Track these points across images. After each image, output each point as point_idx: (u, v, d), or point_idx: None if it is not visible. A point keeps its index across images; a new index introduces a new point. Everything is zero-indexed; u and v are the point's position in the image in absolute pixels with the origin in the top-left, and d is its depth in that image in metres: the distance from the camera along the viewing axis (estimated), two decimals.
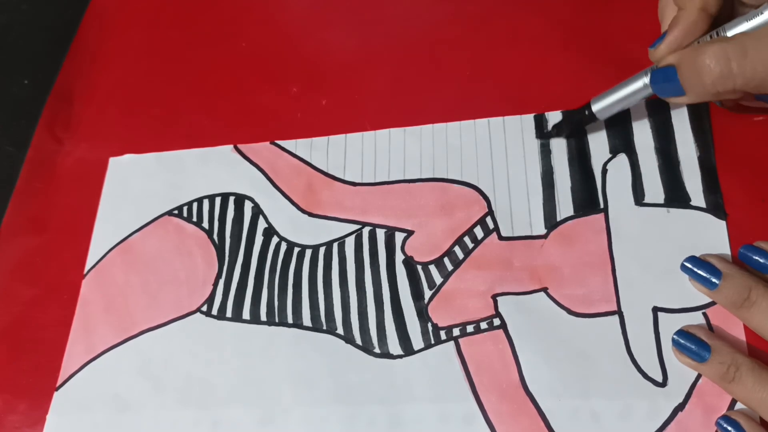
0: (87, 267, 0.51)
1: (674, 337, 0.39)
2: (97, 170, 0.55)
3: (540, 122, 0.47)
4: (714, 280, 0.38)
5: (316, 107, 0.53)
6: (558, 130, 0.46)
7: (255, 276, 0.47)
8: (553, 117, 0.47)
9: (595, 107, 0.43)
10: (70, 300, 0.50)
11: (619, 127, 0.46)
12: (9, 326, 0.50)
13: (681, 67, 0.38)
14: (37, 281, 0.51)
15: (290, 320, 0.46)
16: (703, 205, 0.42)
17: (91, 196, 0.54)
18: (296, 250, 0.48)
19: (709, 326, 0.39)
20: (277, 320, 0.46)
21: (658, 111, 0.46)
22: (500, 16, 0.53)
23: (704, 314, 0.40)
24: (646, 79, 0.41)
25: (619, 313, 0.41)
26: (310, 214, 0.49)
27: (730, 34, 0.38)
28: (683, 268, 0.39)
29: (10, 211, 0.55)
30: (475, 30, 0.53)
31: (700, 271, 0.39)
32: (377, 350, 0.43)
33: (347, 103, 0.53)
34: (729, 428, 0.36)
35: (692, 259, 0.39)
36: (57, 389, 0.47)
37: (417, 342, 0.43)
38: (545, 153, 0.46)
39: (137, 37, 0.61)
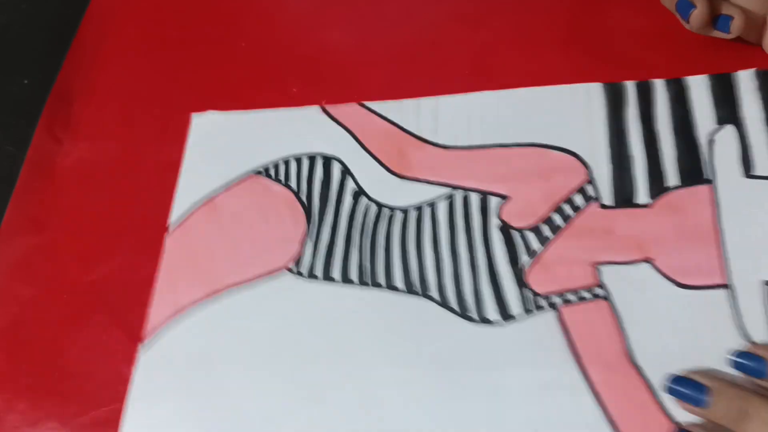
0: (170, 222, 0.50)
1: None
2: (97, 170, 0.55)
3: (645, 90, 0.46)
4: (703, 397, 0.36)
5: None
6: None
7: (345, 237, 0.47)
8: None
9: None
10: (70, 300, 0.50)
11: (726, 98, 0.45)
12: (9, 326, 0.50)
13: None
14: (37, 281, 0.51)
15: (382, 282, 0.45)
16: None
17: (91, 195, 0.54)
18: (386, 212, 0.47)
19: None
20: (368, 282, 0.45)
21: (766, 82, 0.44)
22: (500, 16, 0.53)
23: None
24: None
25: (728, 286, 0.40)
26: (401, 177, 0.48)
27: None
28: (668, 390, 0.37)
29: (10, 211, 0.54)
30: (475, 30, 0.53)
31: (686, 391, 0.37)
32: (474, 315, 0.43)
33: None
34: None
35: (676, 378, 0.37)
36: (142, 343, 0.47)
37: (515, 308, 0.42)
38: (647, 121, 0.45)
39: (137, 37, 0.61)
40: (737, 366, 0.37)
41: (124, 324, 0.48)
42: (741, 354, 0.37)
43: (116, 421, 0.45)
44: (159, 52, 0.59)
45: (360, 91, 0.52)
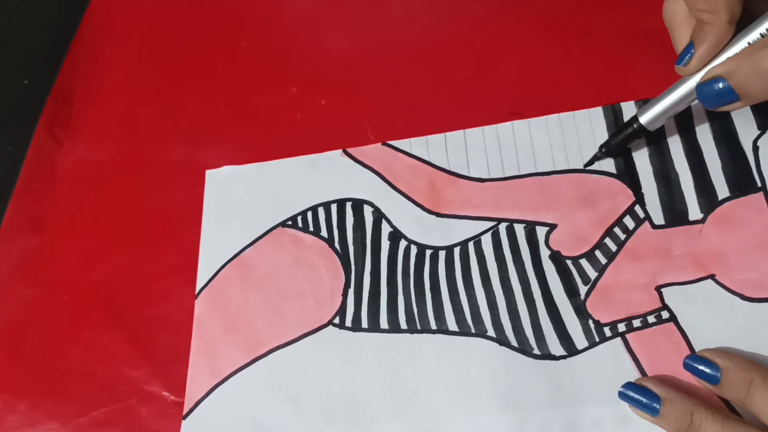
0: (198, 286, 0.48)
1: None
2: (97, 170, 0.55)
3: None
4: (655, 405, 0.36)
5: (316, 107, 0.53)
6: (607, 150, 0.44)
7: (387, 283, 0.45)
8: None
9: (643, 119, 0.42)
10: (70, 300, 0.50)
11: (765, 103, 0.44)
12: (9, 326, 0.49)
13: (737, 75, 0.37)
14: (37, 281, 0.51)
15: (433, 326, 0.43)
16: None
17: (91, 196, 0.54)
18: (428, 252, 0.45)
19: None
20: (419, 327, 0.43)
21: None
22: (500, 16, 0.52)
23: None
24: (691, 85, 0.40)
25: None
26: (438, 214, 0.46)
27: (765, 33, 0.37)
28: (620, 395, 0.38)
29: (10, 211, 0.54)
30: (474, 30, 0.52)
31: (639, 397, 0.37)
32: (536, 351, 0.41)
33: (347, 103, 0.52)
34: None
35: (630, 385, 0.38)
36: (184, 418, 0.44)
37: (580, 341, 0.41)
38: (687, 134, 0.44)
39: (137, 37, 0.61)
40: (690, 370, 0.37)
41: (124, 324, 0.48)
42: (696, 359, 0.37)
43: (116, 421, 0.45)
44: (159, 52, 0.59)
45: (360, 91, 0.52)
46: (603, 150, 0.44)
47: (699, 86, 0.39)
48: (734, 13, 0.37)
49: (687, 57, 0.39)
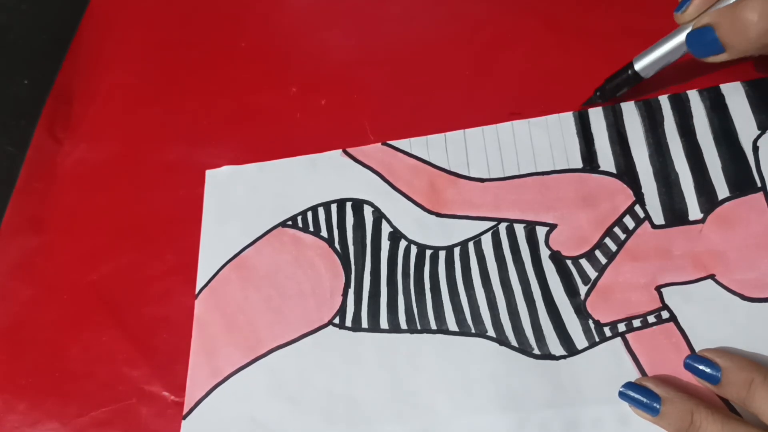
0: (198, 286, 0.48)
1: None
2: (97, 170, 0.55)
3: (679, 103, 0.45)
4: (655, 405, 0.36)
5: (316, 107, 0.53)
6: (602, 93, 0.45)
7: (387, 283, 0.45)
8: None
9: (638, 66, 0.43)
10: (70, 300, 0.50)
11: (765, 102, 0.44)
12: (9, 326, 0.49)
13: (721, 26, 0.38)
14: (37, 281, 0.51)
15: (433, 326, 0.43)
16: None
17: (91, 196, 0.54)
18: (428, 252, 0.45)
19: None
20: (419, 327, 0.43)
21: None
22: (500, 16, 0.52)
23: None
24: (682, 37, 0.41)
25: None
26: (438, 214, 0.46)
27: None
28: (620, 395, 0.38)
29: (10, 211, 0.54)
30: (474, 30, 0.52)
31: (639, 397, 0.37)
32: (537, 351, 0.41)
33: (346, 103, 0.52)
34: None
35: (630, 385, 0.38)
36: (184, 418, 0.44)
37: (580, 341, 0.41)
38: (686, 135, 0.44)
39: (137, 37, 0.61)
40: (690, 370, 0.37)
41: (124, 324, 0.48)
42: (696, 359, 0.37)
43: (116, 421, 0.45)
44: (159, 52, 0.59)
45: (360, 91, 0.52)
46: (598, 93, 0.45)
47: (688, 34, 0.40)
48: None
49: (686, 5, 0.40)
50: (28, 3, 0.66)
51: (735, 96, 0.44)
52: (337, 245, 0.47)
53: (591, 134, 0.46)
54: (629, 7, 0.50)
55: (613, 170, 0.44)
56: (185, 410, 0.44)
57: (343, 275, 0.46)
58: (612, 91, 0.45)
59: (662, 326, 0.40)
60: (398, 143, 0.49)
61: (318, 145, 0.50)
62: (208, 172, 0.52)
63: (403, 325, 0.44)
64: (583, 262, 0.42)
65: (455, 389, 0.41)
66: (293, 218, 0.49)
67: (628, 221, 0.43)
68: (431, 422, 0.41)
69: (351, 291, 0.45)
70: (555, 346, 0.41)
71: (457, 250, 0.45)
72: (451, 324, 0.43)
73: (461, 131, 0.48)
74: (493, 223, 0.45)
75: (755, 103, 0.44)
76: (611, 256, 0.42)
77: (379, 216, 0.47)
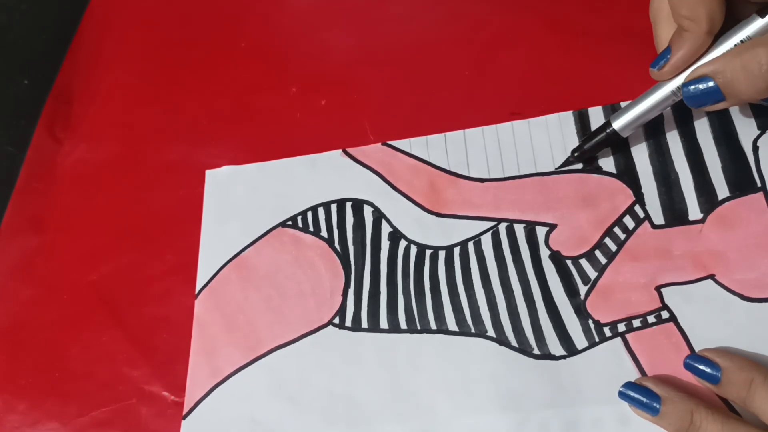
0: (198, 286, 0.48)
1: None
2: (97, 170, 0.55)
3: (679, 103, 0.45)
4: (655, 405, 0.36)
5: (316, 107, 0.53)
6: (580, 154, 0.44)
7: (387, 283, 0.45)
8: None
9: (617, 124, 0.42)
10: (70, 300, 0.50)
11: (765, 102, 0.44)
12: (9, 326, 0.49)
13: (723, 75, 0.37)
14: (37, 281, 0.51)
15: (433, 326, 0.43)
16: None
17: (91, 196, 0.54)
18: (428, 252, 0.45)
19: None
20: (419, 327, 0.43)
21: None
22: (500, 16, 0.52)
23: None
24: (666, 91, 0.40)
25: None
26: (438, 214, 0.46)
27: (752, 35, 0.37)
28: (620, 395, 0.38)
29: (10, 211, 0.55)
30: (474, 30, 0.52)
31: (639, 397, 0.37)
32: (536, 351, 0.41)
33: (346, 103, 0.52)
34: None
35: (629, 384, 0.38)
36: (184, 418, 0.44)
37: (579, 341, 0.41)
38: (686, 135, 0.44)
39: (137, 37, 0.61)
40: (690, 370, 0.37)
41: (124, 324, 0.48)
42: (696, 358, 0.37)
43: (116, 421, 0.45)
44: (159, 52, 0.59)
45: (360, 91, 0.52)
46: (575, 154, 0.44)
47: (685, 85, 0.39)
48: (714, 24, 0.37)
49: (662, 62, 0.40)
50: (28, 3, 0.66)
51: None
52: (337, 245, 0.47)
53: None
54: (630, 7, 0.50)
55: (613, 170, 0.44)
56: (185, 410, 0.44)
57: (343, 275, 0.46)
58: (590, 151, 0.44)
59: (662, 326, 0.40)
60: (398, 143, 0.49)
61: (318, 145, 0.50)
62: (208, 172, 0.52)
63: (403, 325, 0.44)
64: (583, 262, 0.42)
65: (455, 389, 0.41)
66: (293, 218, 0.49)
67: (628, 221, 0.43)
68: (431, 422, 0.41)
69: (351, 291, 0.45)
70: (555, 346, 0.41)
71: (456, 250, 0.45)
72: (451, 324, 0.43)
73: (461, 131, 0.48)
74: (493, 223, 0.45)
75: (755, 103, 0.43)
76: (611, 256, 0.42)
77: (379, 216, 0.47)
